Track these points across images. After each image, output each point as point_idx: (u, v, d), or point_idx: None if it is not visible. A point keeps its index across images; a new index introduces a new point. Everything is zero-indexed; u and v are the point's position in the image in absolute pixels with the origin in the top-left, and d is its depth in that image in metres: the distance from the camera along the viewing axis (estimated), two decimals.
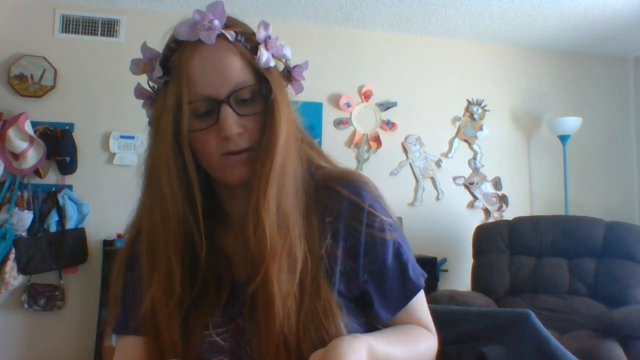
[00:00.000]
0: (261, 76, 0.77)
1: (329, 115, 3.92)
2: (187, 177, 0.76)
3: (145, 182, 0.81)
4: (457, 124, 4.11)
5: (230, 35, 0.75)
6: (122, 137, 3.57)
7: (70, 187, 3.47)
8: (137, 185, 0.82)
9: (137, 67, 0.80)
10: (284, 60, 0.83)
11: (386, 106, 3.99)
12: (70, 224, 3.38)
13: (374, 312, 0.79)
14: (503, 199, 4.12)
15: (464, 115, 4.14)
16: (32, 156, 3.30)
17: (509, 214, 3.97)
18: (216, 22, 0.75)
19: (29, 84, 3.48)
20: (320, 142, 3.80)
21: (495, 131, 4.15)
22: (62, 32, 3.61)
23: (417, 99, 4.05)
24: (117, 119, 3.55)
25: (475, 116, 4.13)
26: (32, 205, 3.35)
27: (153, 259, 0.77)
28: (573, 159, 4.11)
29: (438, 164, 4.05)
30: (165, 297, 0.76)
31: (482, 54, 4.22)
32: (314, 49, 3.87)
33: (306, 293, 0.74)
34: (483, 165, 4.12)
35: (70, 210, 3.38)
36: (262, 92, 0.77)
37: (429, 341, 0.81)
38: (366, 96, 3.98)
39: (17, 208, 3.29)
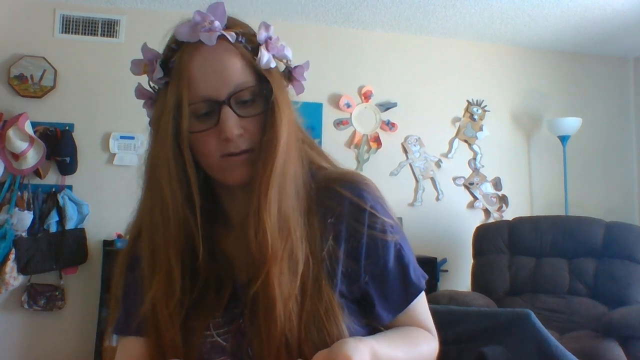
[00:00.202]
0: (262, 77, 0.77)
1: (329, 115, 3.91)
2: (187, 178, 0.76)
3: (145, 182, 0.80)
4: (457, 124, 4.11)
5: (230, 36, 0.75)
6: (122, 137, 3.57)
7: (70, 187, 3.47)
8: (138, 186, 0.82)
9: (138, 67, 0.80)
10: (284, 60, 0.82)
11: (386, 106, 3.99)
12: (70, 224, 3.37)
13: (375, 313, 0.79)
14: (503, 199, 4.12)
15: (464, 116, 4.13)
16: (32, 156, 3.30)
17: (509, 214, 3.96)
18: (217, 23, 0.75)
19: (29, 85, 3.48)
20: (320, 143, 3.79)
21: (495, 131, 4.15)
22: (62, 32, 3.61)
23: (417, 99, 4.05)
24: (117, 119, 3.55)
25: (475, 116, 4.12)
26: (32, 206, 3.35)
27: (153, 259, 0.77)
28: (573, 159, 4.11)
29: (438, 164, 4.05)
30: (166, 297, 0.75)
31: (482, 54, 4.21)
32: (314, 49, 3.86)
33: (308, 295, 0.73)
34: (483, 166, 4.12)
35: (70, 211, 3.38)
36: (263, 93, 0.77)
37: (430, 343, 0.81)
38: (366, 96, 3.98)
39: (17, 208, 3.29)
